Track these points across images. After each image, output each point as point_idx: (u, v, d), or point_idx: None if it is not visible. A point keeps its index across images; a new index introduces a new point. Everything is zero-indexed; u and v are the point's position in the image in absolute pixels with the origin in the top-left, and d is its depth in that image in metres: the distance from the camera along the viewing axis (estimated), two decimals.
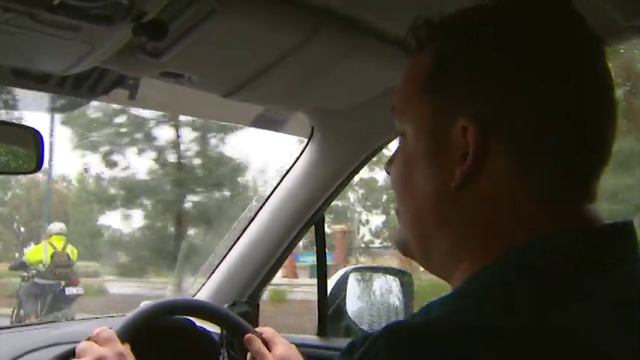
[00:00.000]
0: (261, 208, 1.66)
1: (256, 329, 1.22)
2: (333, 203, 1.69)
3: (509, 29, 0.58)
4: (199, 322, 1.39)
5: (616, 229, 0.58)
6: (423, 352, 0.48)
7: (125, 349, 1.00)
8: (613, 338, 0.51)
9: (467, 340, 0.48)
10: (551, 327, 0.49)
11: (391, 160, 0.68)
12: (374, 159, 1.60)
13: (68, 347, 1.23)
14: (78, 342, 1.23)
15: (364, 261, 13.94)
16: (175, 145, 10.85)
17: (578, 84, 0.57)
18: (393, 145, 0.92)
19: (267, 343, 1.17)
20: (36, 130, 1.10)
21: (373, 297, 1.87)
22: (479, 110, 0.57)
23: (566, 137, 0.57)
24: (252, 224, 1.66)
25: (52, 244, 8.31)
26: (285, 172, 1.63)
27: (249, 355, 1.18)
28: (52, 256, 8.15)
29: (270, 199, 1.64)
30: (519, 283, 0.53)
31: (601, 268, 0.54)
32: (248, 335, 1.18)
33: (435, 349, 0.48)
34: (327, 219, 1.72)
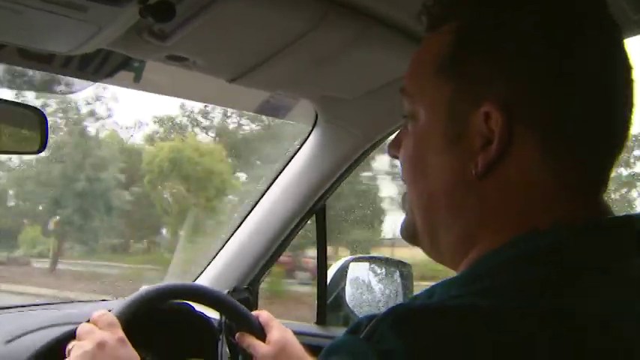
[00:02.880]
0: (263, 195, 1.65)
1: (252, 312, 1.22)
2: None
3: (534, 11, 0.56)
4: (199, 308, 1.39)
5: (626, 221, 0.58)
6: (429, 333, 0.48)
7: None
8: (616, 328, 0.51)
9: (472, 321, 0.48)
10: (554, 310, 0.49)
11: (397, 143, 0.65)
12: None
13: (68, 328, 1.23)
14: (78, 323, 1.23)
15: None
16: None
17: (602, 70, 0.56)
18: None
19: (263, 328, 1.17)
20: (40, 110, 1.10)
21: (372, 287, 1.87)
22: (503, 95, 0.55)
23: (589, 124, 0.56)
24: (253, 211, 1.66)
25: None
26: (287, 159, 1.62)
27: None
28: None
29: (271, 187, 1.64)
30: (529, 268, 0.52)
31: (604, 262, 0.54)
32: (238, 334, 1.17)
33: (441, 330, 0.48)
34: None
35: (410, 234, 0.65)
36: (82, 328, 0.98)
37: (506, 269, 0.53)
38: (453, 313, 0.49)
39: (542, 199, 0.56)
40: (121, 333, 0.97)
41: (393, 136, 0.82)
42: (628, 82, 0.58)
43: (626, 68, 0.58)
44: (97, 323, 0.98)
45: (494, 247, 0.55)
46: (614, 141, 0.58)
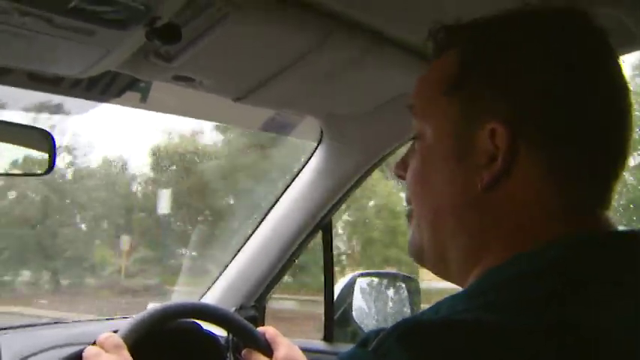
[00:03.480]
0: (268, 211, 1.66)
1: (258, 329, 1.22)
2: None
3: (536, 33, 0.59)
4: (206, 326, 1.39)
5: (631, 236, 0.58)
6: (435, 347, 0.48)
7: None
8: (627, 341, 0.51)
9: (478, 336, 0.48)
10: (558, 323, 0.49)
11: (404, 163, 0.67)
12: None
13: (75, 349, 1.23)
14: (85, 344, 1.23)
15: None
16: None
17: (601, 90, 0.58)
18: (403, 152, 0.92)
19: (269, 345, 1.17)
20: (48, 132, 1.11)
21: (380, 303, 1.86)
22: (508, 114, 0.57)
23: (590, 141, 0.58)
24: (259, 228, 1.66)
25: None
26: (293, 176, 1.63)
27: None
28: None
29: (278, 203, 1.64)
30: (534, 285, 0.53)
31: (611, 277, 0.55)
32: (244, 351, 1.17)
33: (447, 344, 0.48)
34: None
35: (417, 251, 0.66)
36: (89, 352, 0.98)
37: (510, 285, 0.54)
38: (460, 327, 0.50)
39: (545, 214, 0.57)
40: (127, 355, 0.97)
41: (399, 156, 0.83)
42: (627, 103, 0.60)
43: (625, 89, 0.60)
44: (104, 346, 0.98)
45: (498, 262, 0.56)
46: (615, 159, 0.59)
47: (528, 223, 0.57)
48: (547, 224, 0.57)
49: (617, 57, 0.61)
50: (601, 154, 0.58)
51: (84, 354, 0.98)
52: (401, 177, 0.68)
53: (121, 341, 0.99)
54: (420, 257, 0.66)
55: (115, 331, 1.12)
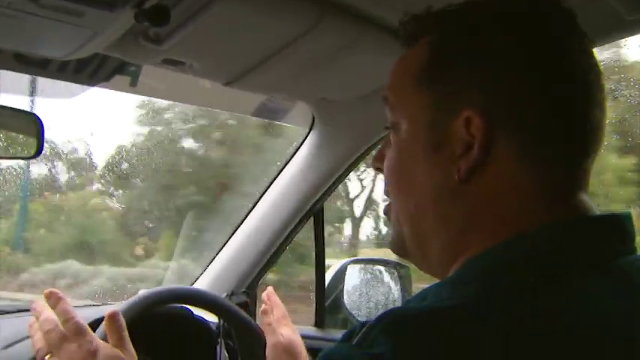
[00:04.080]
0: (260, 197, 1.66)
1: (269, 302, 1.18)
2: None
3: (508, 22, 0.59)
4: (197, 311, 1.39)
5: (612, 220, 0.58)
6: (420, 339, 0.48)
7: (102, 344, 0.87)
8: (606, 328, 0.51)
9: (464, 325, 0.49)
10: (532, 316, 0.49)
11: (381, 156, 0.66)
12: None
13: None
14: None
15: None
16: None
17: (575, 75, 0.58)
18: None
19: (262, 331, 1.17)
20: (36, 115, 1.10)
21: (371, 289, 1.87)
22: (482, 102, 0.57)
23: (566, 126, 0.58)
24: (251, 214, 1.66)
25: None
26: (285, 162, 1.63)
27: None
28: None
29: (269, 189, 1.64)
30: (517, 272, 0.53)
31: (595, 260, 0.55)
32: (264, 307, 1.15)
33: (432, 336, 0.48)
34: None
35: (399, 247, 0.66)
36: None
37: (488, 275, 0.54)
38: (445, 315, 0.50)
39: (524, 202, 0.57)
40: (90, 339, 0.84)
41: (376, 150, 0.83)
42: (600, 87, 0.60)
43: (597, 73, 0.60)
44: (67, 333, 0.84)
45: (480, 251, 0.56)
46: (591, 143, 0.59)
47: (507, 213, 0.57)
48: (526, 213, 0.57)
49: (590, 41, 0.61)
50: (577, 139, 0.58)
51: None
52: (379, 169, 0.67)
53: (83, 326, 0.86)
54: (403, 250, 0.65)
55: None
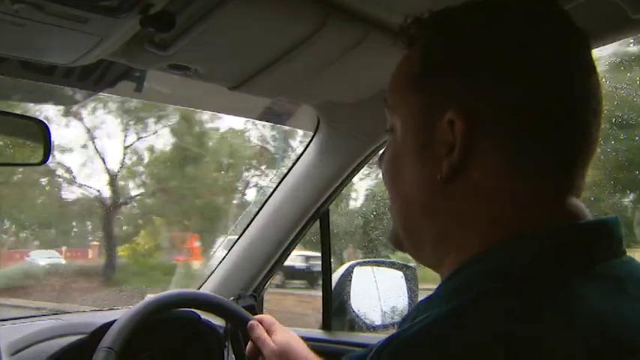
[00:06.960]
0: (266, 201, 1.66)
1: (255, 317, 1.23)
2: None
3: (495, 25, 0.59)
4: (204, 315, 1.39)
5: (601, 225, 0.58)
6: None
7: None
8: (598, 330, 0.51)
9: (458, 346, 0.49)
10: (533, 321, 0.50)
11: (383, 156, 0.69)
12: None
13: (74, 339, 1.23)
14: (83, 333, 1.23)
15: None
16: None
17: (565, 79, 0.58)
18: None
19: (266, 331, 1.18)
20: (43, 121, 1.10)
21: (377, 291, 1.87)
22: (465, 103, 0.58)
23: (552, 130, 0.57)
24: (257, 217, 1.66)
25: None
26: (290, 165, 1.63)
27: (249, 343, 1.19)
28: None
29: (275, 193, 1.64)
30: (506, 283, 0.53)
31: (586, 264, 0.55)
32: (250, 322, 1.19)
33: (437, 355, 0.49)
34: None
35: (395, 240, 0.69)
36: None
37: (475, 286, 0.55)
38: (436, 340, 0.50)
39: (508, 204, 0.58)
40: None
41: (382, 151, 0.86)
42: (595, 94, 0.59)
43: (593, 80, 0.60)
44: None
45: (471, 250, 0.58)
46: (581, 149, 0.59)
47: (496, 215, 0.58)
48: (511, 214, 0.57)
49: (584, 43, 0.61)
50: (566, 142, 0.58)
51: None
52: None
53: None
54: (398, 244, 0.68)
55: (114, 321, 1.13)
